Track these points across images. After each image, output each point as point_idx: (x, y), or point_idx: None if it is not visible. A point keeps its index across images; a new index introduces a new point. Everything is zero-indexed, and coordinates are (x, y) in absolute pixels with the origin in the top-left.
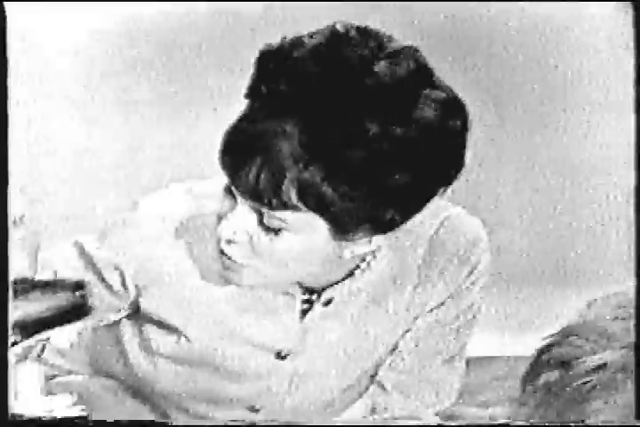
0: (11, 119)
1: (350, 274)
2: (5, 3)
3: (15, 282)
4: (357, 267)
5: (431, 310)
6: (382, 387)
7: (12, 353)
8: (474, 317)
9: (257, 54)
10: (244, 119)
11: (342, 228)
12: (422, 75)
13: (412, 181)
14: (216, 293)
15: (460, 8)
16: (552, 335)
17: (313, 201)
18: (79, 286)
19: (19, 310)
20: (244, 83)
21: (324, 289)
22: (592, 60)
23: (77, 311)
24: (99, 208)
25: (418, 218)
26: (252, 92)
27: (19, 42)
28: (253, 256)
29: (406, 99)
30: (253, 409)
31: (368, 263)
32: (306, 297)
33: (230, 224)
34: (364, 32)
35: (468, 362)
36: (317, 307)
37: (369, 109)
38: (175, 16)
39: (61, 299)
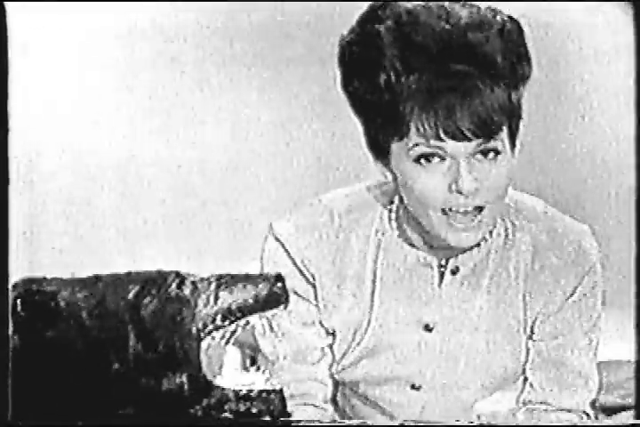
0: (11, 119)
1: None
2: (6, 2)
3: (220, 277)
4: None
5: (561, 307)
6: (531, 384)
7: (217, 336)
8: (599, 316)
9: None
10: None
11: (514, 141)
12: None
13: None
14: (367, 273)
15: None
16: None
17: (510, 114)
18: (278, 278)
19: (225, 299)
20: (249, 80)
21: (456, 257)
22: (592, 60)
23: (275, 301)
24: (99, 207)
25: (531, 216)
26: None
27: (19, 41)
28: (487, 192)
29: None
30: (414, 387)
31: (488, 238)
32: (442, 263)
33: (466, 177)
34: (430, 9)
35: None
36: (447, 275)
37: (455, 49)
38: (175, 15)
39: (262, 289)
